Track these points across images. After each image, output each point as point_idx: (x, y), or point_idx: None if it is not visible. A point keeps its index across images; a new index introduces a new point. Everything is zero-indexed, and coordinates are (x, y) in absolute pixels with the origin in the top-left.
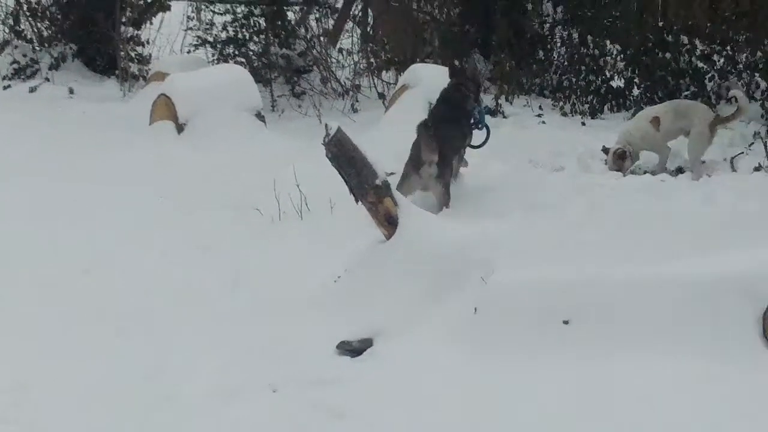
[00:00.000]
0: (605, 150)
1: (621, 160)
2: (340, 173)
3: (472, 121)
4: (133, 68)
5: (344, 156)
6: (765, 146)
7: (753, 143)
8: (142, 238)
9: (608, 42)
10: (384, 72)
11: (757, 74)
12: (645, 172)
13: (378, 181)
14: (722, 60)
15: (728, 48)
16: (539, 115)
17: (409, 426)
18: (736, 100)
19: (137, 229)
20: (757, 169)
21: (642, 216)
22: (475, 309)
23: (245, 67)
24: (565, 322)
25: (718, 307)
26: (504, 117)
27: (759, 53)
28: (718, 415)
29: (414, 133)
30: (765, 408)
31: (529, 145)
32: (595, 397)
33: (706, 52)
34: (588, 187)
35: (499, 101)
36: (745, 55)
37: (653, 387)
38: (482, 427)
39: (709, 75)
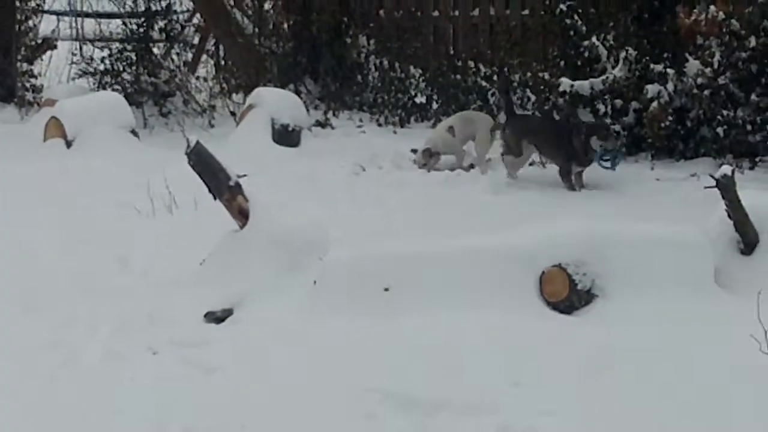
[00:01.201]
0: (414, 151)
1: (429, 157)
2: (200, 177)
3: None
4: (29, 96)
5: (203, 163)
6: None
7: None
8: (40, 233)
9: (412, 67)
10: (234, 94)
11: (528, 90)
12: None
13: (231, 182)
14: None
15: (505, 70)
16: (360, 126)
17: (262, 373)
18: None
19: (34, 226)
20: (531, 164)
21: (445, 202)
22: (315, 281)
23: (120, 93)
24: (386, 289)
25: (507, 272)
26: (332, 128)
27: (529, 73)
28: (508, 348)
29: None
30: (537, 339)
31: (353, 150)
32: (412, 344)
33: (488, 73)
34: (401, 181)
35: (327, 116)
36: (518, 75)
37: (458, 333)
38: (313, 369)
39: (491, 91)
